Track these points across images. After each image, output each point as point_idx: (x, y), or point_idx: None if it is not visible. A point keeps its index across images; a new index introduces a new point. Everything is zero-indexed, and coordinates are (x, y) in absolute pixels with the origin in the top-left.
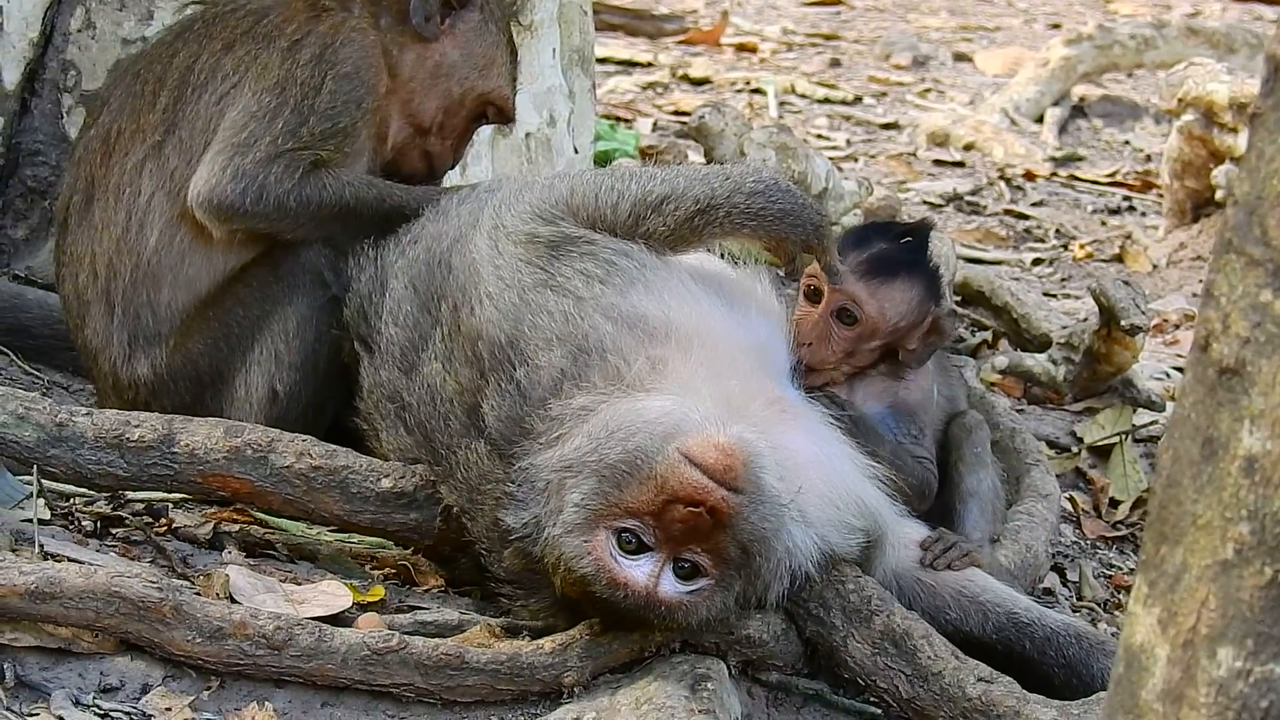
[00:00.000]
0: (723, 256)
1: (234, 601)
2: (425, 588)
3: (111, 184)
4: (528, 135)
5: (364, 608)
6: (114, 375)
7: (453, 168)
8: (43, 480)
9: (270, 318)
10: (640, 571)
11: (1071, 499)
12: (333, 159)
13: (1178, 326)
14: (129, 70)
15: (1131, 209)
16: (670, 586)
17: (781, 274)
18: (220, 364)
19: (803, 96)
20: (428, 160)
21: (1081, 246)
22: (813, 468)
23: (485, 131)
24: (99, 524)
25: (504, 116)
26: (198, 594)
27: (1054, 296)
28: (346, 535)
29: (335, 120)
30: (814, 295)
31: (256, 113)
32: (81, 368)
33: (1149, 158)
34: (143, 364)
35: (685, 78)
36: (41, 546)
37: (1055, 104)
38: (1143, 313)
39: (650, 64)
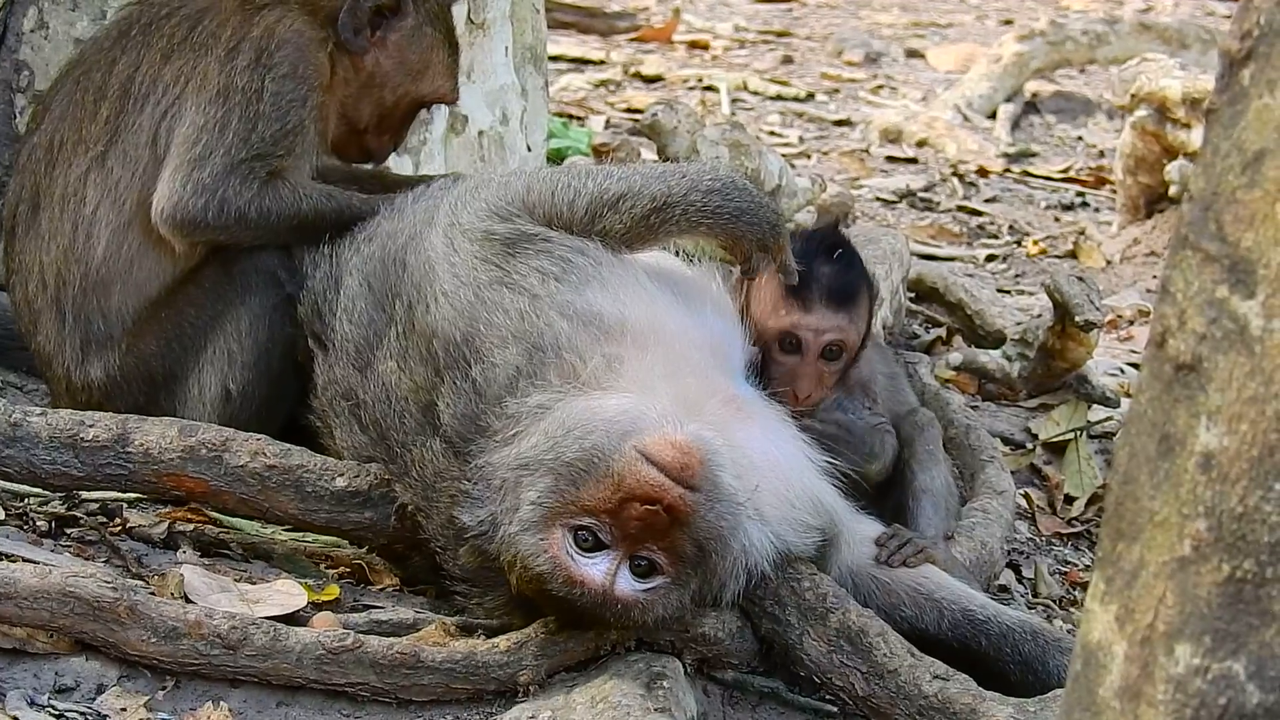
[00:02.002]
0: (678, 254)
1: (189, 601)
2: (380, 586)
3: (57, 194)
4: (481, 133)
5: (319, 607)
6: (67, 379)
7: (394, 151)
8: None
9: (223, 317)
10: (597, 569)
11: (1026, 495)
12: (286, 165)
13: (1132, 322)
14: (69, 76)
15: (1085, 205)
16: (627, 584)
17: (737, 272)
18: (173, 364)
19: (755, 94)
20: (366, 154)
21: (1035, 243)
22: (769, 466)
23: (438, 130)
24: (54, 524)
25: (443, 105)
26: (152, 594)
27: (1008, 293)
28: (301, 534)
29: (284, 121)
30: (792, 347)
31: (205, 125)
32: (35, 369)
33: (1102, 153)
34: (96, 367)
35: (638, 75)
36: None
37: (1008, 100)
38: (1097, 308)
39: (603, 62)
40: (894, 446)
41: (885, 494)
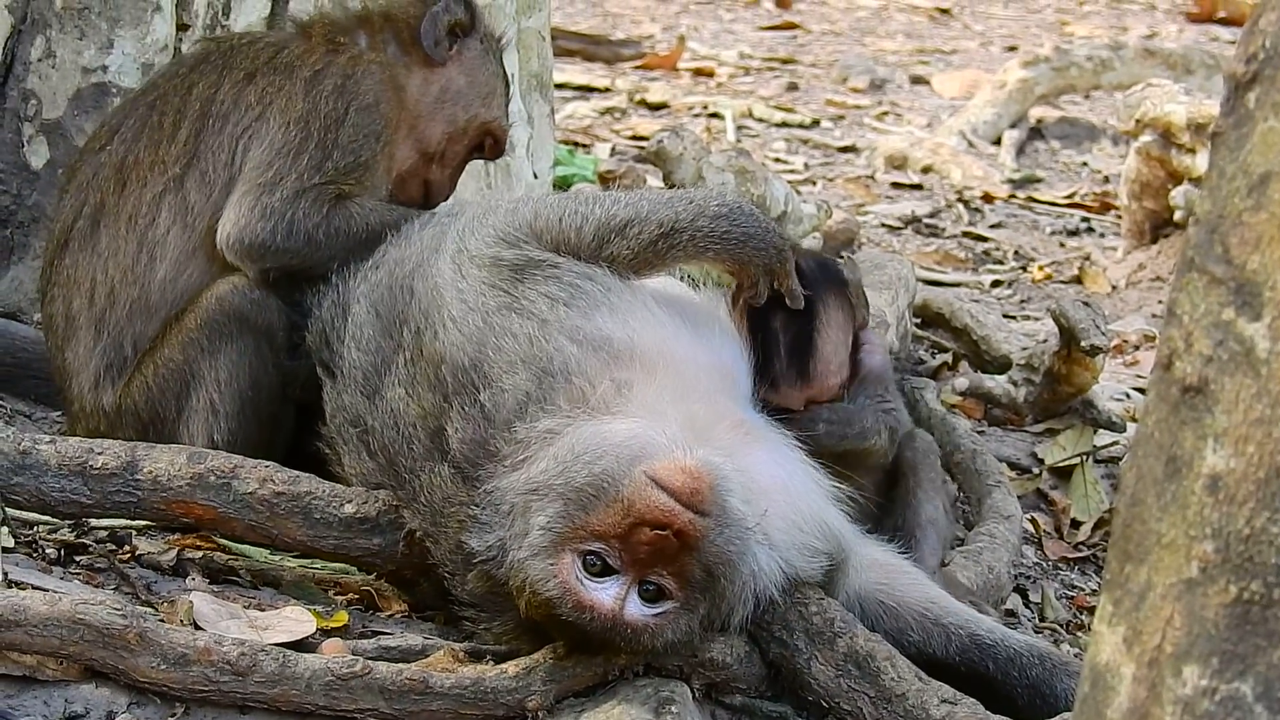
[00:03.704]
0: (684, 280)
1: (198, 628)
2: (389, 613)
3: (125, 213)
4: (487, 160)
5: (328, 633)
6: (81, 400)
7: (447, 199)
8: (6, 508)
9: (198, 366)
10: (606, 594)
11: (1033, 520)
12: (355, 191)
13: (1137, 347)
14: (141, 100)
15: (1090, 230)
16: (636, 609)
17: (743, 297)
18: (156, 408)
19: (760, 120)
20: (426, 190)
21: (1040, 268)
22: (777, 491)
23: None
24: (63, 551)
25: (499, 148)
26: (162, 621)
27: (1013, 318)
28: (310, 561)
29: (358, 154)
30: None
31: (281, 149)
32: (52, 391)
33: (1107, 179)
34: (108, 395)
35: (643, 103)
36: (5, 574)
37: (1013, 126)
38: (1102, 334)
39: (608, 89)
40: (890, 431)
41: (886, 513)
